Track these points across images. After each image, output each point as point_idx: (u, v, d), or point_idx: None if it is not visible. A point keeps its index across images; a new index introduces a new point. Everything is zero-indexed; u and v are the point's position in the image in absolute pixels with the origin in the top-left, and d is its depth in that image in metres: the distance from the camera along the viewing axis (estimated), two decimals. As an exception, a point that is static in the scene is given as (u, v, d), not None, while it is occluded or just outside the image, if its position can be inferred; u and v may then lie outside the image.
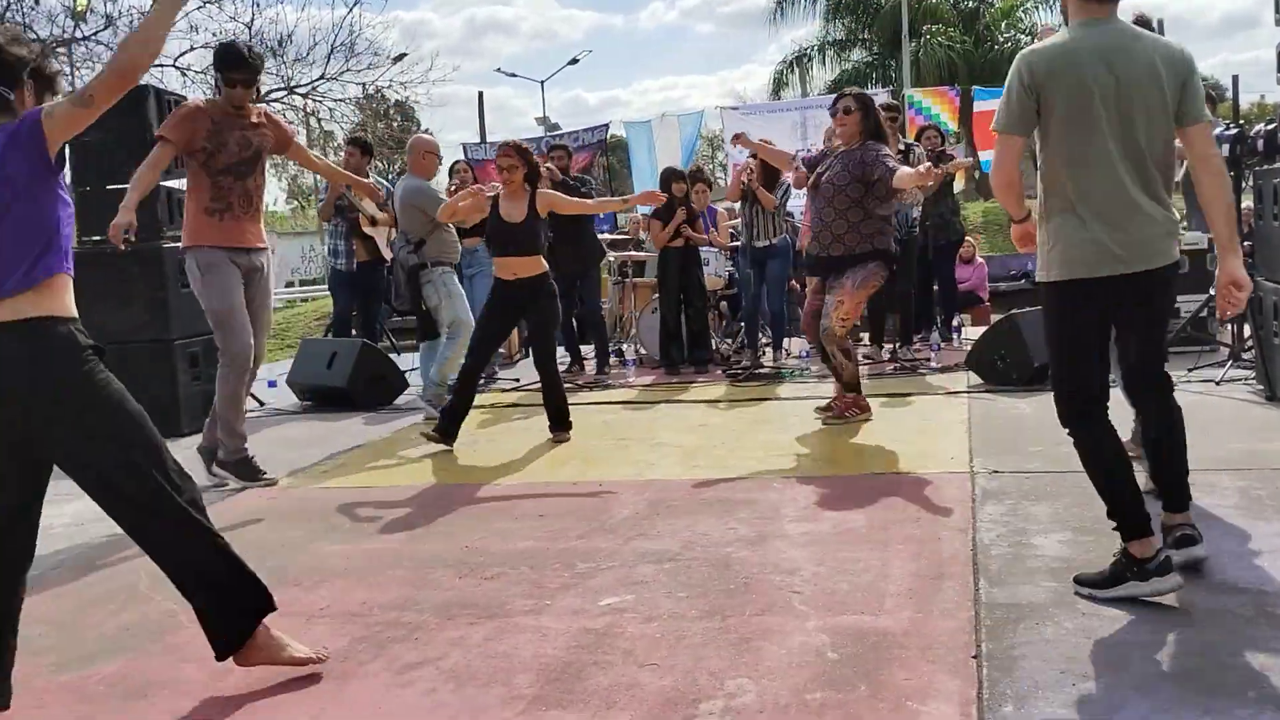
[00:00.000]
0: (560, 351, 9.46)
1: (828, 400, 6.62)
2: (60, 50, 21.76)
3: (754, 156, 8.51)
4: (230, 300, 5.48)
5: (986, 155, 16.72)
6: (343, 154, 9.47)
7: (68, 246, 2.89)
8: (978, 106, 16.94)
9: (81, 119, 2.83)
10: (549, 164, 8.95)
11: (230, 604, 3.03)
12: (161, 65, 23.95)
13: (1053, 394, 3.47)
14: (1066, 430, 3.46)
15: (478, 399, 7.75)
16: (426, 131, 31.40)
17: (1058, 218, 3.37)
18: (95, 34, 22.69)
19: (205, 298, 5.51)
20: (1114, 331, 3.53)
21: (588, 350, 9.59)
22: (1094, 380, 3.40)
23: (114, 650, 3.41)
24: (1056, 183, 3.37)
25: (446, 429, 6.30)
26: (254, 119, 5.67)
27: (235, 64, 5.53)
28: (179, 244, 7.48)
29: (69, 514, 5.23)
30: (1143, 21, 4.52)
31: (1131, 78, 3.29)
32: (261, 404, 8.41)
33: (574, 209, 6.78)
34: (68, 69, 22.29)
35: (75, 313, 2.86)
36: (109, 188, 6.93)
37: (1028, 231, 3.56)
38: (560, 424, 6.45)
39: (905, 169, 6.11)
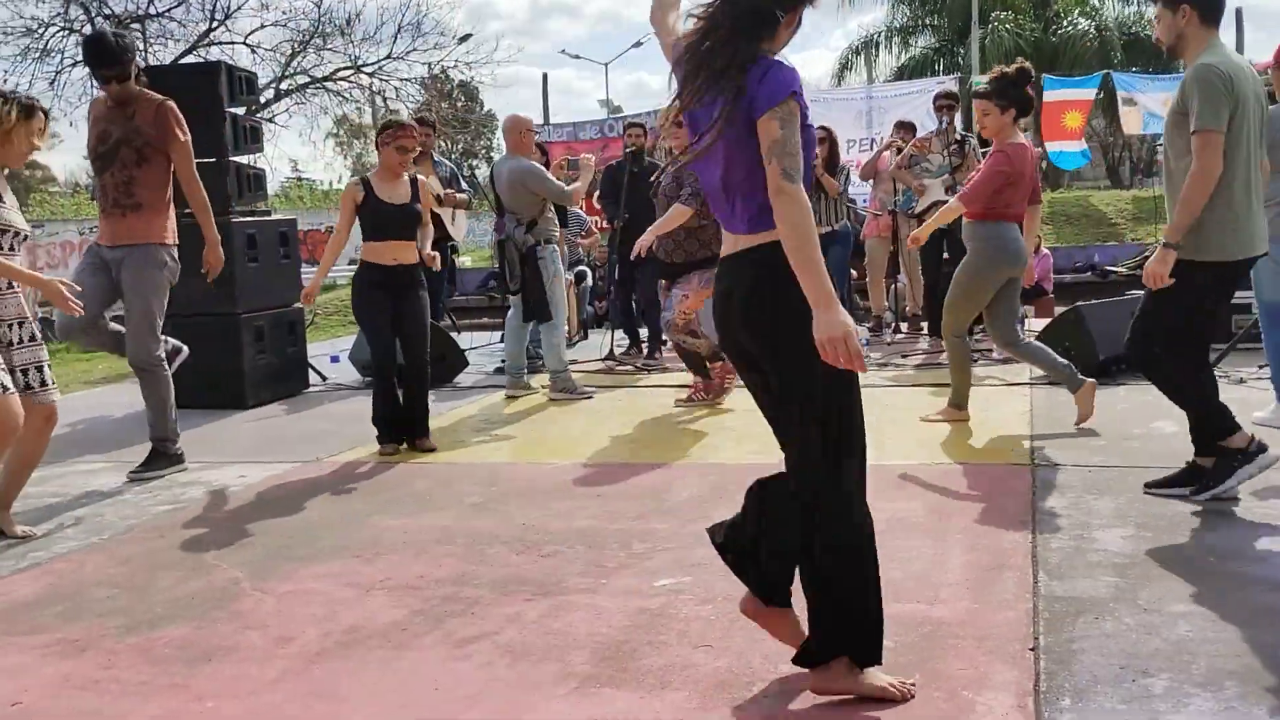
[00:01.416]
0: (619, 335, 9.50)
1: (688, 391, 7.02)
2: (135, 26, 22.12)
3: (820, 143, 8.47)
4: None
5: (1054, 145, 16.46)
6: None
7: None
8: (1047, 95, 16.64)
9: None
10: (639, 139, 8.97)
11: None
12: (232, 43, 24.33)
13: (1172, 353, 4.19)
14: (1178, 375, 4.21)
15: (536, 381, 7.81)
16: (489, 114, 31.50)
17: (1228, 211, 4.01)
18: (169, 10, 23.05)
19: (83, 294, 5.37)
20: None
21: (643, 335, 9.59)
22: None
23: (180, 615, 3.49)
24: (1228, 180, 3.97)
25: (392, 435, 5.91)
26: (131, 110, 5.40)
27: (100, 59, 5.35)
28: (246, 219, 7.66)
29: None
30: (1025, 72, 5.65)
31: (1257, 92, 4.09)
32: (324, 378, 8.53)
33: (430, 205, 6.34)
34: (141, 44, 22.69)
35: None
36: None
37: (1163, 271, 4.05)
38: (423, 432, 6.00)
39: (678, 209, 6.41)
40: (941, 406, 6.09)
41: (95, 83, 5.47)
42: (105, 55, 5.35)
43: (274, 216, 8.54)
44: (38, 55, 22.39)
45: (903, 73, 28.78)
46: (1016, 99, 5.64)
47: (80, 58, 22.83)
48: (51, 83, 22.25)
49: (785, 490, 2.73)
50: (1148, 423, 5.36)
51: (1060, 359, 5.87)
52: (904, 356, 8.51)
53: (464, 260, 15.23)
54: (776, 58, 2.62)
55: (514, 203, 7.18)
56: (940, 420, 5.97)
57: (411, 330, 5.93)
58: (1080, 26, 28.17)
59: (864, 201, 12.30)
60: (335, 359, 9.37)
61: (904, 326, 10.18)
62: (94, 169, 5.53)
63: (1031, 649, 2.92)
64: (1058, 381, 5.82)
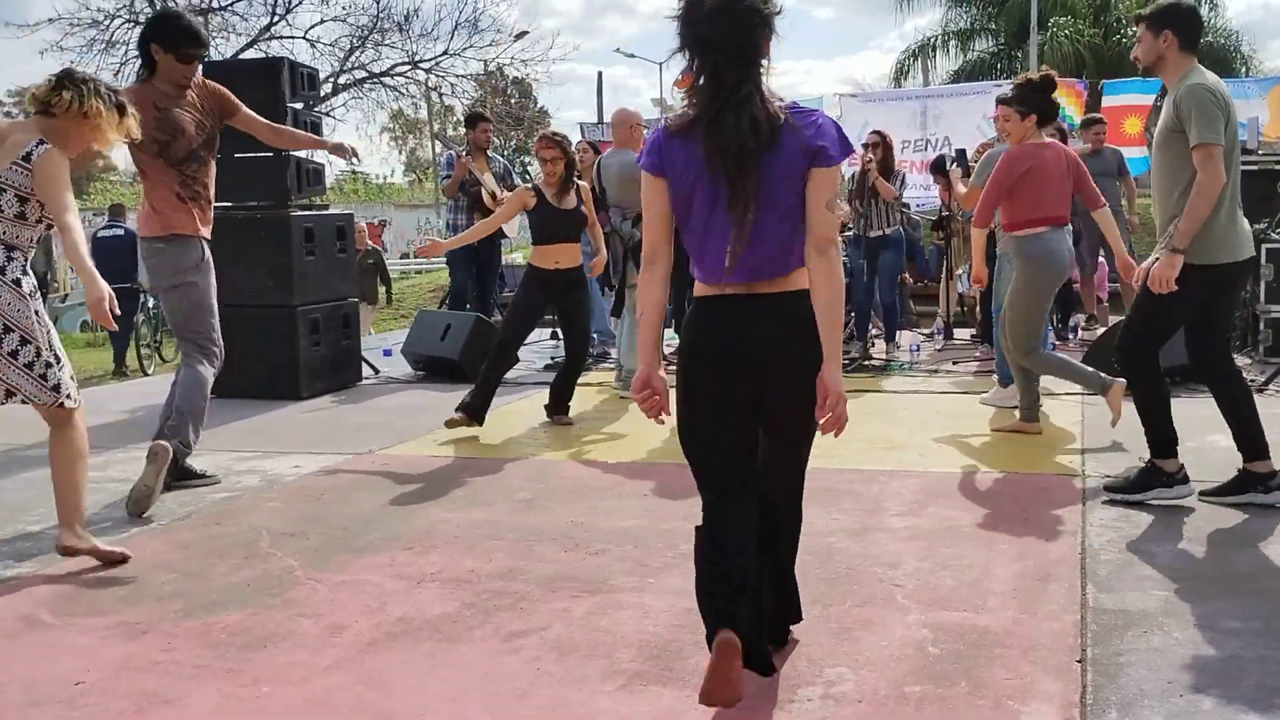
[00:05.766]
0: (667, 334, 9.53)
1: None
2: (198, 19, 22.45)
3: (874, 147, 8.44)
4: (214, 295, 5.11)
5: (1113, 151, 16.19)
6: (469, 130, 9.62)
7: None
8: (1106, 101, 16.40)
9: None
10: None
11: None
12: (292, 37, 24.64)
13: (1138, 346, 4.44)
14: (1137, 372, 4.48)
15: (586, 378, 7.85)
16: (542, 111, 31.61)
17: (1230, 216, 4.23)
18: (231, 4, 23.40)
19: (206, 291, 5.06)
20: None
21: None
22: None
23: (236, 601, 3.57)
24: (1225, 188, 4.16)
25: (478, 407, 6.24)
26: (193, 95, 5.09)
27: (193, 39, 5.04)
28: (305, 212, 7.75)
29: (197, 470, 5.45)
30: (1049, 80, 5.58)
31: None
32: (377, 371, 8.63)
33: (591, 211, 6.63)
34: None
35: None
36: (236, 156, 7.06)
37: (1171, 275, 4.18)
38: (560, 408, 6.54)
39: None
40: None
41: (179, 61, 4.96)
42: (198, 32, 5.15)
43: (331, 210, 8.64)
44: (103, 47, 22.83)
45: (959, 76, 28.52)
46: (1038, 105, 5.54)
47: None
48: (116, 74, 22.67)
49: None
50: (1202, 435, 5.29)
51: (1083, 366, 5.83)
52: (955, 363, 8.47)
53: (515, 256, 15.28)
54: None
55: (623, 196, 7.25)
56: (1010, 430, 5.88)
57: (572, 334, 6.58)
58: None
59: (918, 205, 12.21)
60: (388, 353, 9.48)
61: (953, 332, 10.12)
62: (195, 162, 5.03)
63: (1078, 661, 2.92)
64: (1090, 389, 5.76)
